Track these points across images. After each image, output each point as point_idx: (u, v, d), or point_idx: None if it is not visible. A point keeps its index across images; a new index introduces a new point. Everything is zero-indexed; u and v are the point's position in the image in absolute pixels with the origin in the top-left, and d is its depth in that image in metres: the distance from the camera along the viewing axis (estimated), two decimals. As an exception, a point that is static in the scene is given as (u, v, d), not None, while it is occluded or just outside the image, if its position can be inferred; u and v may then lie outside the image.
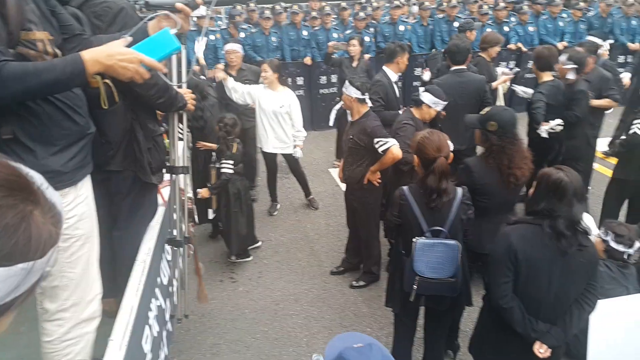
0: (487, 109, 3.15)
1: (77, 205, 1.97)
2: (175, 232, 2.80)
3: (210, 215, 4.65)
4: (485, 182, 2.80)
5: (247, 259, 4.72)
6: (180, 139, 2.69)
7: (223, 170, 4.34)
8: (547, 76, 4.71)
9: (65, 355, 2.05)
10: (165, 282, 2.66)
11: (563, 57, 4.78)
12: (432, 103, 3.89)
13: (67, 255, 1.96)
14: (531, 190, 2.38)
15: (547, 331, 2.31)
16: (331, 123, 6.48)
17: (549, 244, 2.22)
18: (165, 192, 2.92)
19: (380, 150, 3.82)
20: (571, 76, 4.75)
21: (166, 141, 2.89)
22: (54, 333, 2.03)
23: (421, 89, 4.26)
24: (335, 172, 6.62)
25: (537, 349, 2.32)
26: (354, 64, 6.41)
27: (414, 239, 2.67)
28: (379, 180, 4.05)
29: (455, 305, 2.95)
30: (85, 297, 2.07)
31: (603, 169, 6.30)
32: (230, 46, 5.55)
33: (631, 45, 8.80)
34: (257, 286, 4.38)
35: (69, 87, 1.78)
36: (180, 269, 2.96)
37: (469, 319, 3.76)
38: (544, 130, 4.65)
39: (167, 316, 2.72)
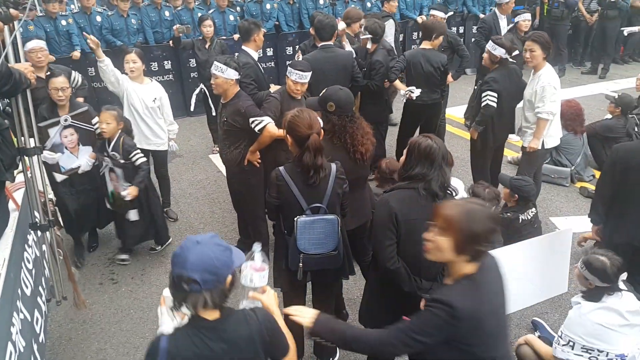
0: (324, 91, 3.18)
1: None
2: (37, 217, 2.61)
3: (134, 216, 4.23)
4: (335, 161, 2.87)
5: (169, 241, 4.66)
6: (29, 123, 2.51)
7: (140, 161, 4.09)
8: (425, 44, 5.12)
9: None
10: (28, 293, 2.41)
11: (362, 29, 5.20)
12: (289, 73, 3.90)
13: None
14: (402, 158, 2.51)
15: (430, 288, 2.45)
16: (192, 109, 6.28)
17: (425, 205, 2.36)
18: (17, 195, 2.63)
19: (256, 129, 3.79)
20: (369, 45, 5.17)
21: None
22: None
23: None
24: (215, 158, 6.48)
25: (423, 305, 2.44)
26: (207, 45, 6.23)
27: (295, 218, 2.69)
28: (259, 160, 4.03)
29: (340, 276, 3.06)
30: None
31: (462, 132, 6.92)
32: (33, 44, 4.58)
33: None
34: (142, 284, 4.17)
35: None
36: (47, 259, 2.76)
37: (355, 287, 3.97)
38: (402, 94, 5.01)
39: (38, 328, 2.48)
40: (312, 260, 2.76)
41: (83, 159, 4.13)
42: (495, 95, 4.45)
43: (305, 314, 1.95)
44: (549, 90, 4.20)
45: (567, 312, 2.87)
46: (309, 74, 3.91)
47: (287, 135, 2.76)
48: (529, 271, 3.67)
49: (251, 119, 3.78)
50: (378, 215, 2.47)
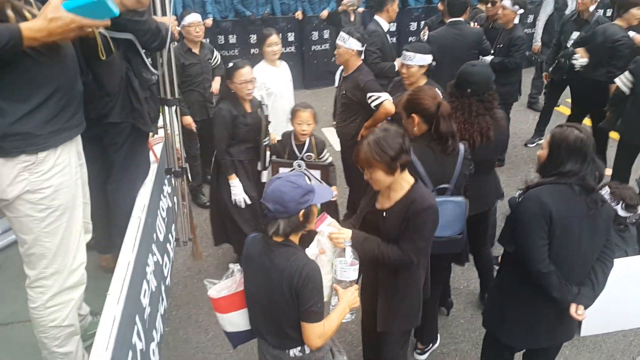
0: (461, 68, 3.03)
1: (55, 175, 1.90)
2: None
3: None
4: (463, 141, 2.69)
5: None
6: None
7: (331, 159, 3.85)
8: (617, 20, 4.80)
9: (51, 321, 2.03)
10: (161, 238, 2.65)
11: (508, 2, 4.75)
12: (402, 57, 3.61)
13: (44, 225, 1.91)
14: (542, 152, 2.29)
15: (578, 292, 2.24)
16: (336, 84, 6.26)
17: (579, 201, 2.16)
18: (157, 149, 2.87)
19: (372, 105, 3.74)
20: (517, 21, 4.84)
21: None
22: (38, 300, 2.00)
23: None
24: (327, 131, 6.55)
25: (574, 311, 2.24)
26: (352, 17, 6.20)
27: None
28: (372, 136, 4.00)
29: (456, 262, 2.93)
30: (67, 266, 2.03)
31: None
32: (192, 17, 4.56)
33: None
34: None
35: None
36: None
37: (462, 277, 3.85)
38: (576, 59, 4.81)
39: (165, 271, 2.72)
40: (435, 244, 2.52)
41: None
42: (630, 77, 3.90)
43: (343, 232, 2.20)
44: None
45: None
46: (416, 56, 3.46)
47: (413, 115, 2.64)
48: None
49: (369, 94, 3.74)
50: (528, 212, 2.22)
